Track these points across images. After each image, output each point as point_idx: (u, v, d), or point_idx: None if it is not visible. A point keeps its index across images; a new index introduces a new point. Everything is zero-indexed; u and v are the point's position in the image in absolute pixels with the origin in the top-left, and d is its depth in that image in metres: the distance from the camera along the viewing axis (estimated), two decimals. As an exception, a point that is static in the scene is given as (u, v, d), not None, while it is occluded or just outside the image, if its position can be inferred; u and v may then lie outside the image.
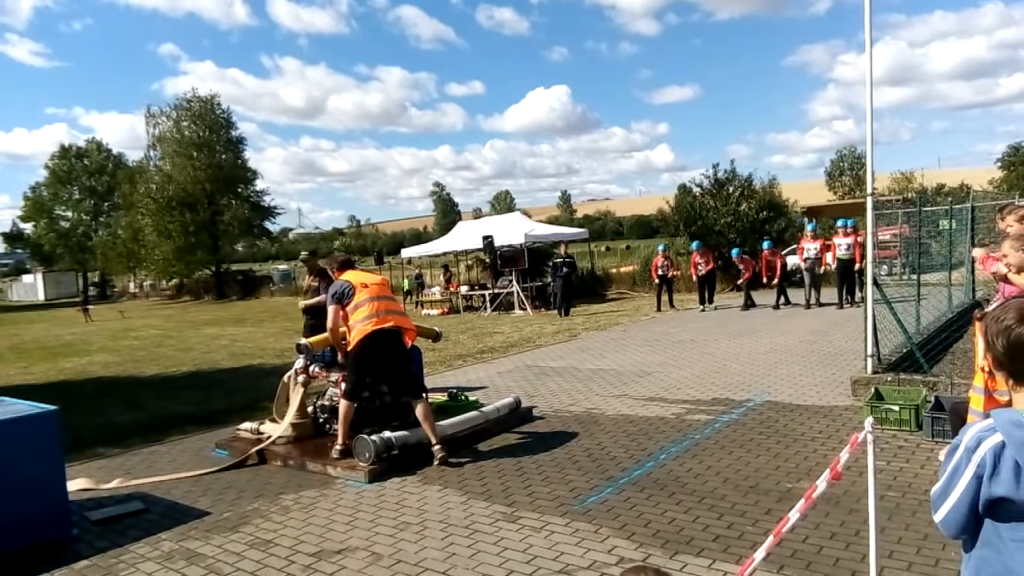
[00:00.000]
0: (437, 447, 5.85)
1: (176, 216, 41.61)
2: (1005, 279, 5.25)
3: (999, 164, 71.58)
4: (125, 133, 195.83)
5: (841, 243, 14.86)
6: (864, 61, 6.68)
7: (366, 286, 6.00)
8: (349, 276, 6.16)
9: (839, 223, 15.39)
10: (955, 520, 1.55)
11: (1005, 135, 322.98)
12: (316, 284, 8.21)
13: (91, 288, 57.00)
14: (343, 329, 6.03)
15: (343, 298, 5.96)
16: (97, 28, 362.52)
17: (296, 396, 6.57)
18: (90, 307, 31.31)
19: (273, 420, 6.77)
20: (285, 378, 6.81)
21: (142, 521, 5.05)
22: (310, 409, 6.82)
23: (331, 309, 6.01)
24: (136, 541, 4.68)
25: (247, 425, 6.89)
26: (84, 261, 57.79)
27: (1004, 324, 1.58)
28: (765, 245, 17.15)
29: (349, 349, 5.97)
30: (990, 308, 5.63)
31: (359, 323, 5.85)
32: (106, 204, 58.40)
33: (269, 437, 6.43)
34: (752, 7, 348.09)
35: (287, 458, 6.17)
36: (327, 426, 6.69)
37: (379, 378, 6.25)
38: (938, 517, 1.59)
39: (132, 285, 59.46)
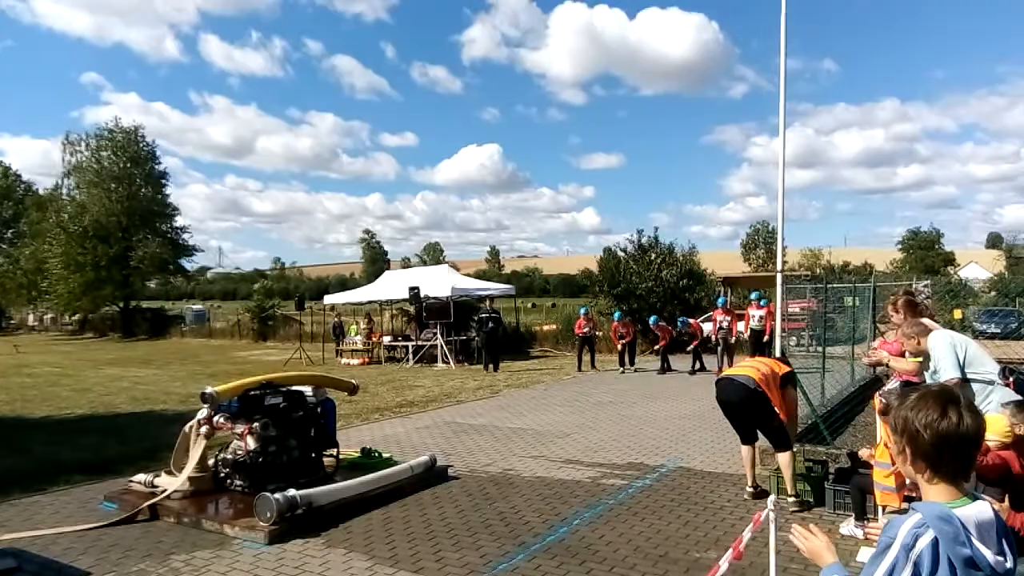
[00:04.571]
0: (792, 499, 5.87)
1: (88, 248, 39.62)
2: (887, 365, 5.61)
3: (899, 246, 76.85)
4: (38, 159, 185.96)
5: (754, 314, 15.64)
6: (777, 145, 7.09)
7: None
8: None
9: (753, 296, 16.25)
10: None
11: (904, 220, 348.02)
12: None
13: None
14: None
15: None
16: (17, 51, 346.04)
17: (197, 448, 6.22)
18: None
19: (170, 472, 6.38)
20: (187, 428, 6.45)
21: (12, 581, 4.62)
22: (211, 462, 6.47)
23: None
24: (2, 605, 4.26)
25: (140, 477, 6.46)
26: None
27: (929, 418, 1.57)
28: (680, 322, 18.29)
29: None
30: (887, 387, 5.92)
31: None
32: (10, 231, 55.10)
33: (164, 491, 6.05)
34: (674, 86, 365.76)
35: (181, 515, 5.80)
36: (228, 481, 6.36)
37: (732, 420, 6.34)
38: None
39: (31, 318, 55.90)
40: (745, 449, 6.28)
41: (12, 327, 54.01)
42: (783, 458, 5.96)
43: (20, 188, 55.50)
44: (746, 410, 6.07)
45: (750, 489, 6.29)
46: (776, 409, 5.95)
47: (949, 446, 1.55)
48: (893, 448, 1.68)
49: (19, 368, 21.15)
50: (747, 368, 6.22)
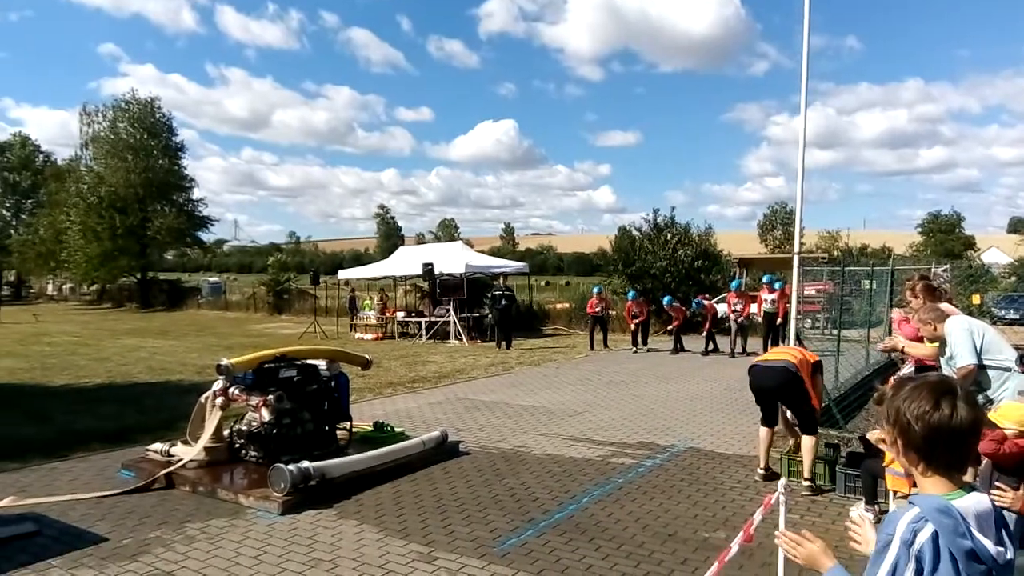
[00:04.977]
0: (807, 483, 5.90)
1: (105, 219, 39.98)
2: (902, 351, 5.56)
3: (919, 230, 75.88)
4: (56, 129, 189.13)
5: (767, 298, 15.68)
6: (797, 124, 6.99)
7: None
8: None
9: (764, 279, 16.26)
10: None
11: (925, 203, 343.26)
12: None
13: (5, 288, 54.05)
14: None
15: None
16: (36, 21, 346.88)
17: (212, 418, 6.31)
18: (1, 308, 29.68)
19: (186, 442, 6.48)
20: (203, 398, 6.54)
21: (32, 544, 4.72)
22: (226, 433, 6.56)
23: None
24: (23, 567, 4.36)
25: (157, 446, 6.56)
26: (0, 260, 54.67)
27: (921, 409, 1.54)
28: (695, 303, 18.14)
29: None
30: (902, 372, 5.87)
31: None
32: (29, 201, 55.67)
33: (179, 460, 6.14)
34: (693, 63, 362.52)
35: (197, 484, 5.90)
36: (242, 452, 6.45)
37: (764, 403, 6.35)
38: None
39: (51, 287, 56.64)
40: (764, 431, 6.28)
41: (32, 296, 54.76)
42: (807, 442, 5.95)
43: (39, 158, 56.01)
44: (782, 394, 6.08)
45: (761, 471, 6.29)
46: (810, 392, 5.99)
47: (941, 439, 1.52)
48: (887, 438, 1.65)
49: (39, 337, 21.48)
50: (783, 353, 6.22)
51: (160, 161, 42.97)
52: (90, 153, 43.64)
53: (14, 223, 55.94)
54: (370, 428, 7.53)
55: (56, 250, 42.68)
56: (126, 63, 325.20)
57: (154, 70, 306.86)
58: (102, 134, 42.63)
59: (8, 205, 56.34)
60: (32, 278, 56.27)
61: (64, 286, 54.93)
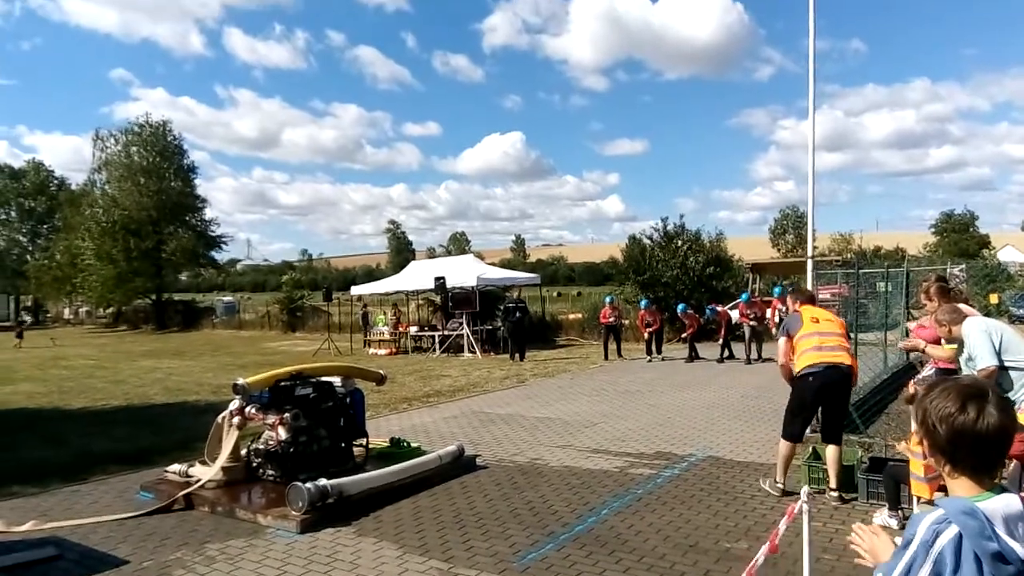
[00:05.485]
0: (834, 493, 5.78)
1: (119, 242, 40.39)
2: (923, 352, 5.51)
3: (933, 230, 75.32)
4: (69, 155, 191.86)
5: (780, 308, 15.65)
6: (805, 128, 6.96)
7: (816, 320, 6.00)
8: (804, 310, 6.18)
9: (775, 292, 16.53)
10: None
11: (936, 202, 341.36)
12: None
13: (23, 312, 54.58)
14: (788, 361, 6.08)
15: (791, 329, 6.07)
16: (47, 48, 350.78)
17: (230, 438, 6.32)
18: (23, 332, 30.03)
19: (204, 462, 6.49)
20: (219, 418, 6.55)
21: (54, 569, 4.74)
22: (244, 452, 6.56)
23: (781, 341, 6.16)
24: (45, 592, 4.38)
25: (175, 467, 6.58)
26: (18, 285, 55.32)
27: (946, 411, 1.54)
28: (708, 310, 18.25)
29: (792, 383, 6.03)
30: (922, 375, 5.81)
31: (801, 355, 5.92)
32: (44, 226, 56.37)
33: (198, 481, 6.15)
34: (698, 69, 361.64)
35: (216, 504, 5.90)
36: (260, 470, 6.45)
37: (814, 412, 6.20)
38: None
39: (67, 311, 57.18)
40: (787, 446, 5.99)
41: (49, 320, 55.28)
42: (834, 451, 5.82)
43: (53, 184, 56.75)
44: (840, 395, 5.94)
45: (780, 485, 6.04)
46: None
47: (965, 443, 1.52)
48: (916, 438, 1.66)
49: (56, 360, 21.66)
50: (838, 351, 5.85)
51: (172, 183, 43.42)
52: (103, 177, 44.19)
53: (30, 248, 56.64)
54: (386, 444, 7.52)
55: (72, 274, 43.10)
56: (137, 87, 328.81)
57: (164, 93, 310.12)
58: (115, 158, 43.16)
59: (24, 231, 57.07)
60: (49, 302, 56.84)
61: (80, 309, 55.40)
